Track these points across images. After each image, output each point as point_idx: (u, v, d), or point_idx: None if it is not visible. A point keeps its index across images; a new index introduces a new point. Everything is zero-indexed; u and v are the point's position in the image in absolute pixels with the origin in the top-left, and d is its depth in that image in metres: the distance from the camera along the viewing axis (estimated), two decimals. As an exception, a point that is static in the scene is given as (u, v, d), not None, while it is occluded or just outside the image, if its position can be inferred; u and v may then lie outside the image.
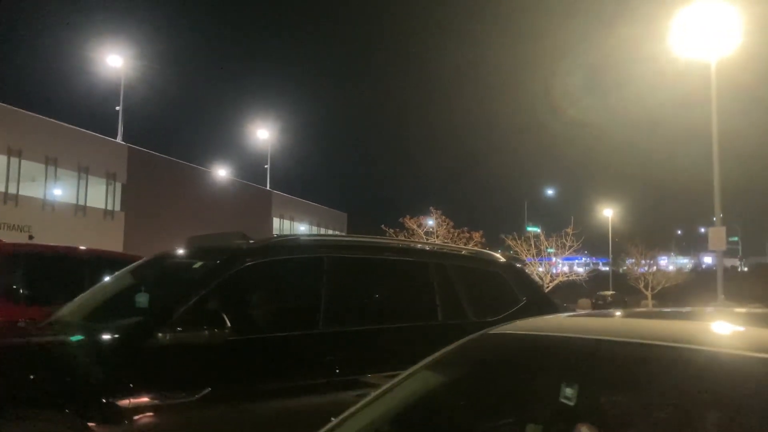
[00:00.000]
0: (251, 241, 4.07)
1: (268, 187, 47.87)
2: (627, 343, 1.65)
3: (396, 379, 2.00)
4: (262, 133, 48.59)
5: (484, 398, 2.05)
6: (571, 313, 3.30)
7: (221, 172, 42.91)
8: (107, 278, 4.97)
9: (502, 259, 5.17)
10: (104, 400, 3.02)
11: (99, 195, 32.27)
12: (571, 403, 1.65)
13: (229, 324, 3.38)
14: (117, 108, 34.53)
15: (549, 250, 30.15)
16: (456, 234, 27.59)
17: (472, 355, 2.06)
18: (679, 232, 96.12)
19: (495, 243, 31.63)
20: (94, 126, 38.37)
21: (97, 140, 32.59)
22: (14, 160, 27.83)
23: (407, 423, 1.98)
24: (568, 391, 1.67)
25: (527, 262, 28.43)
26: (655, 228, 62.06)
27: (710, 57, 16.64)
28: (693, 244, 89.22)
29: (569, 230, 28.53)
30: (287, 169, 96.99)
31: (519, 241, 28.97)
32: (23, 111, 28.75)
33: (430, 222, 28.94)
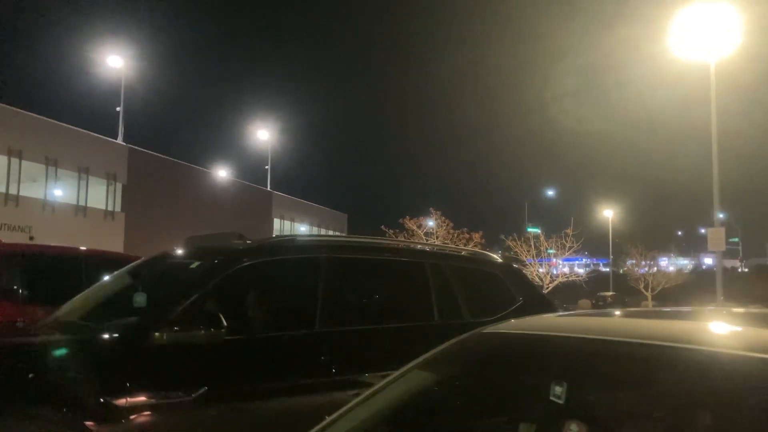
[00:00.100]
0: (248, 242, 4.09)
1: (268, 188, 47.88)
2: (619, 342, 1.65)
3: (389, 378, 2.01)
4: (263, 134, 48.61)
5: (477, 397, 2.06)
6: (565, 313, 3.31)
7: (222, 173, 42.92)
8: (105, 278, 4.99)
9: (499, 260, 5.19)
10: (102, 400, 3.04)
11: (99, 196, 32.28)
12: (564, 402, 1.66)
13: (225, 324, 3.39)
14: (117, 109, 34.55)
15: (549, 251, 30.17)
16: (456, 235, 27.62)
17: (465, 354, 2.06)
18: (680, 232, 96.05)
19: (495, 244, 31.66)
20: (94, 127, 38.46)
21: (98, 141, 32.61)
22: (15, 161, 27.85)
23: (400, 422, 1.99)
24: (561, 390, 1.69)
25: (528, 263, 28.44)
26: (655, 229, 62.08)
27: (709, 58, 16.65)
28: (693, 245, 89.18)
29: (569, 231, 28.57)
30: (288, 170, 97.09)
31: (519, 242, 28.99)
32: (24, 111, 28.77)
33: (430, 223, 28.96)
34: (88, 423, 2.97)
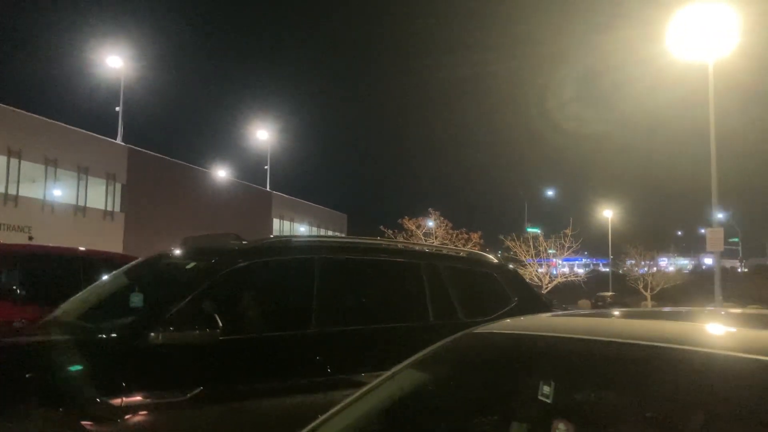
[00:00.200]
0: (244, 242, 4.11)
1: (268, 188, 47.88)
2: (609, 342, 1.66)
3: (381, 378, 2.02)
4: (262, 134, 48.61)
5: (469, 396, 2.07)
6: (557, 313, 3.32)
7: (221, 173, 42.92)
8: (103, 278, 5.01)
9: (494, 260, 5.21)
10: (98, 399, 3.05)
11: (99, 196, 32.28)
12: (553, 402, 1.68)
13: (221, 324, 3.41)
14: (117, 109, 34.57)
15: (550, 251, 30.19)
16: (454, 235, 27.64)
17: (457, 354, 2.07)
18: (680, 233, 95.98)
19: (494, 244, 31.66)
20: (93, 127, 38.56)
21: (97, 141, 32.61)
22: (14, 161, 27.85)
23: (391, 421, 2.00)
24: (548, 390, 1.70)
25: (527, 263, 28.46)
26: (655, 229, 61.98)
27: (708, 58, 16.66)
28: (693, 245, 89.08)
29: (568, 231, 28.59)
30: (287, 170, 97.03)
31: (518, 242, 29.00)
32: (23, 112, 28.77)
33: (430, 223, 28.98)
34: (85, 422, 2.98)
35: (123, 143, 34.17)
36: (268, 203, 47.14)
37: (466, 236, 27.51)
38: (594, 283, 44.73)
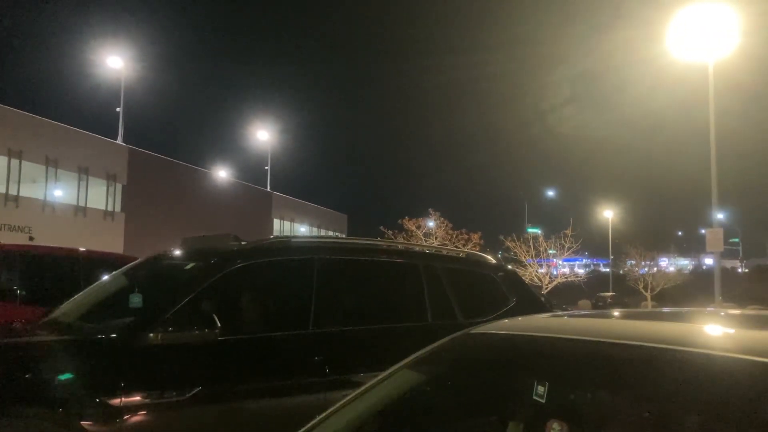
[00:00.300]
0: (243, 243, 4.12)
1: (268, 189, 47.87)
2: (604, 343, 1.66)
3: (378, 378, 2.03)
4: (263, 135, 48.59)
5: (465, 397, 2.08)
6: (554, 313, 3.33)
7: (221, 174, 42.92)
8: (102, 279, 5.02)
9: (493, 261, 5.21)
10: (97, 399, 3.06)
11: (99, 196, 32.29)
12: (550, 402, 1.69)
13: (219, 324, 3.43)
14: (117, 109, 34.57)
15: (550, 252, 30.17)
16: (454, 235, 27.61)
17: (453, 355, 2.08)
18: (680, 233, 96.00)
19: (494, 244, 31.65)
20: (94, 127, 38.53)
21: (98, 141, 32.61)
22: (15, 162, 27.86)
23: (388, 421, 2.01)
24: (543, 390, 1.71)
25: (527, 263, 28.44)
26: (655, 229, 62.09)
27: (708, 58, 16.67)
28: (694, 245, 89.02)
29: (568, 231, 28.57)
30: (287, 171, 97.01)
31: (518, 243, 28.98)
32: (24, 112, 28.79)
33: (430, 223, 28.96)
34: (85, 423, 3.00)
35: (123, 144, 34.18)
36: (268, 204, 47.13)
37: (466, 237, 27.48)
38: (594, 283, 44.71)
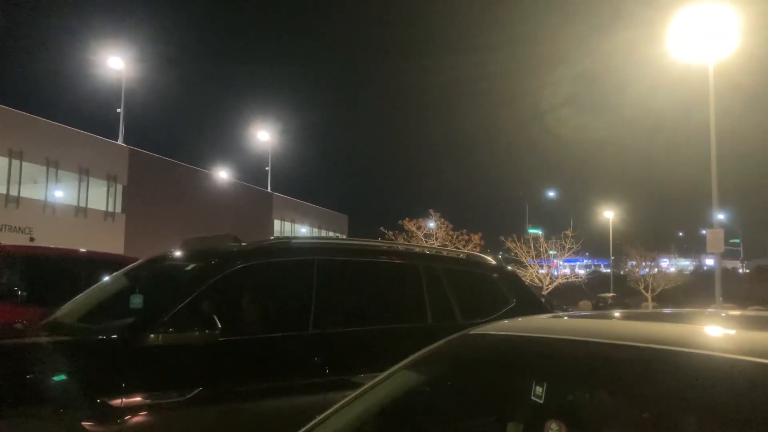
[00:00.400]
0: (243, 244, 4.13)
1: (268, 189, 47.88)
2: (601, 343, 1.67)
3: (377, 378, 2.03)
4: (263, 136, 48.60)
5: (465, 397, 2.09)
6: (554, 314, 3.34)
7: (222, 174, 42.93)
8: (103, 280, 5.03)
9: (493, 262, 5.21)
10: (98, 400, 3.07)
11: (100, 197, 32.30)
12: (549, 403, 1.69)
13: (220, 325, 3.43)
14: (118, 110, 34.60)
15: (551, 252, 30.19)
16: (455, 236, 27.62)
17: (453, 355, 2.09)
18: (681, 233, 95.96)
19: (495, 245, 31.66)
20: (95, 128, 38.55)
21: (98, 142, 32.63)
22: (15, 162, 27.88)
23: (388, 421, 2.02)
24: (541, 390, 1.72)
25: (528, 264, 28.46)
26: (656, 230, 62.08)
27: (708, 59, 16.67)
28: (694, 246, 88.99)
29: (568, 232, 28.59)
30: (288, 172, 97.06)
31: (519, 243, 28.99)
32: (24, 113, 28.81)
33: (430, 224, 28.98)
34: (86, 423, 3.00)
35: (124, 144, 34.20)
36: (269, 204, 47.13)
37: (466, 237, 27.50)
38: (595, 284, 44.73)
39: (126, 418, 3.09)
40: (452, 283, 4.58)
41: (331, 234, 50.43)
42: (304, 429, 1.86)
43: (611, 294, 46.27)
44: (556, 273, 31.05)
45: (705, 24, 16.49)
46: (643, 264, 47.22)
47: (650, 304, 42.08)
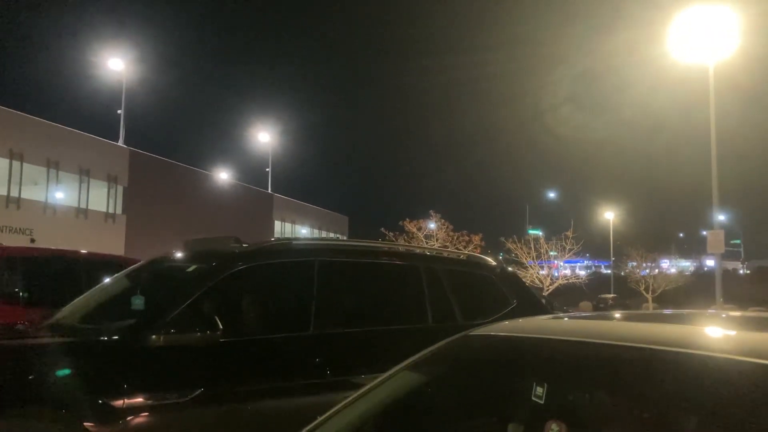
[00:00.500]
0: (244, 245, 4.14)
1: (269, 191, 47.90)
2: (602, 344, 1.67)
3: (378, 380, 2.04)
4: (264, 137, 48.63)
5: (465, 398, 2.09)
6: (553, 315, 3.34)
7: (223, 176, 42.95)
8: (105, 281, 5.03)
9: (494, 263, 5.22)
10: (100, 401, 3.08)
11: (100, 198, 32.33)
12: (550, 403, 1.70)
13: (221, 326, 3.44)
14: (119, 111, 34.63)
15: (551, 253, 30.21)
16: (455, 237, 27.63)
17: (453, 356, 2.09)
18: (681, 234, 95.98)
19: (495, 246, 31.67)
20: (95, 129, 38.59)
21: (99, 143, 32.66)
22: (16, 164, 27.91)
23: (388, 422, 2.02)
24: (541, 391, 1.72)
25: (529, 264, 28.46)
26: (656, 231, 62.10)
27: (708, 60, 16.69)
28: (695, 247, 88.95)
29: (569, 233, 28.60)
30: (289, 173, 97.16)
31: (519, 244, 29.00)
32: (25, 114, 28.84)
33: (431, 225, 28.99)
34: (87, 424, 3.01)
35: (124, 145, 34.23)
36: (269, 205, 47.15)
37: (467, 238, 27.51)
38: (596, 285, 44.76)
39: (127, 418, 3.09)
40: (453, 284, 4.59)
41: (331, 235, 50.45)
42: (305, 430, 1.86)
43: (612, 295, 46.28)
44: (556, 274, 31.06)
45: (705, 25, 16.51)
46: (644, 265, 47.21)
47: (651, 305, 42.07)
